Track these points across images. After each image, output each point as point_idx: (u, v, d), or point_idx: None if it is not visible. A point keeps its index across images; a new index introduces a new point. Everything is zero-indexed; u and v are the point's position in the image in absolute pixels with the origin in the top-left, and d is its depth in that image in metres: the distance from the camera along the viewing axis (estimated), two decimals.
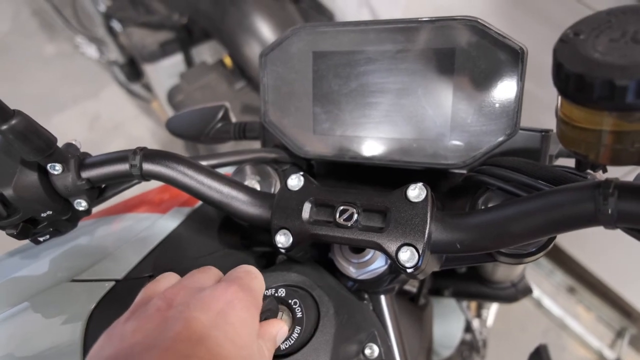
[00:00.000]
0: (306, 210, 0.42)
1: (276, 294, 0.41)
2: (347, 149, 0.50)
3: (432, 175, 0.50)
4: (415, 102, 0.46)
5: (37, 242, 0.49)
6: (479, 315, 1.08)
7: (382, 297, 0.49)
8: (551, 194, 0.33)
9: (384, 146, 0.48)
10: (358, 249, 0.45)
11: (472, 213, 0.38)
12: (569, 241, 1.63)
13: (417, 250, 0.37)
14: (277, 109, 0.52)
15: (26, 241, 0.48)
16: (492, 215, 0.36)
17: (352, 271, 0.45)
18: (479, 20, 0.42)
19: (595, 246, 1.55)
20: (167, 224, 0.53)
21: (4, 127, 0.38)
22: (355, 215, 0.40)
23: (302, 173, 0.44)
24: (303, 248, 0.43)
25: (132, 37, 1.67)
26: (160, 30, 1.62)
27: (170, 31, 1.63)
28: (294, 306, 0.40)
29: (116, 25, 1.79)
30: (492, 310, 1.17)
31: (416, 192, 0.39)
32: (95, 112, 2.28)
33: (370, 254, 0.44)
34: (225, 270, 0.35)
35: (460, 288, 0.74)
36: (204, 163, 0.48)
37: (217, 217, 0.58)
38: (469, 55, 0.43)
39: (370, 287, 0.48)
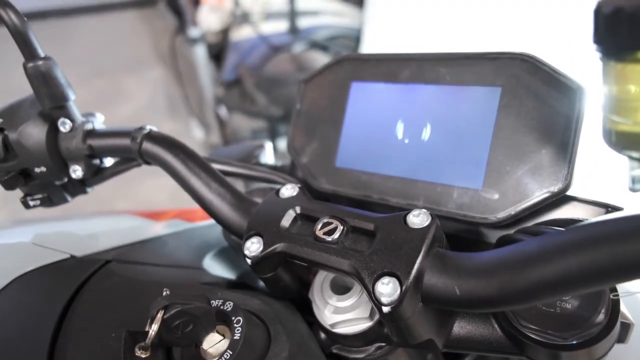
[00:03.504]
0: (287, 218, 0.35)
1: (222, 307, 0.33)
2: (365, 187, 0.43)
3: (460, 240, 0.41)
4: (448, 141, 0.40)
5: (27, 206, 0.47)
6: None
7: None
8: (590, 227, 0.23)
9: (405, 189, 0.41)
10: (342, 289, 0.36)
11: (481, 253, 0.28)
12: None
13: (401, 283, 0.28)
14: (304, 135, 0.49)
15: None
16: (506, 252, 0.27)
17: (325, 315, 0.35)
18: (531, 55, 0.36)
19: None
20: (157, 228, 0.49)
21: (29, 64, 0.40)
22: (339, 232, 0.33)
23: (299, 185, 0.38)
24: (273, 266, 0.35)
25: (232, 121, 1.84)
26: (257, 118, 1.77)
27: (265, 121, 1.77)
28: (235, 325, 0.31)
29: (222, 112, 2.01)
30: None
31: (419, 219, 0.31)
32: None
33: (354, 297, 0.35)
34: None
35: None
36: (215, 165, 0.45)
37: (217, 244, 0.53)
38: (517, 93, 0.37)
39: (349, 352, 0.37)
